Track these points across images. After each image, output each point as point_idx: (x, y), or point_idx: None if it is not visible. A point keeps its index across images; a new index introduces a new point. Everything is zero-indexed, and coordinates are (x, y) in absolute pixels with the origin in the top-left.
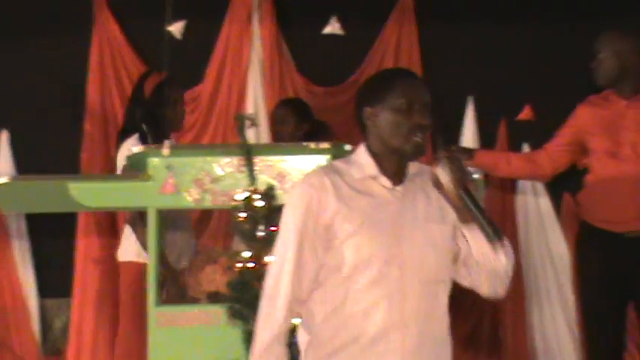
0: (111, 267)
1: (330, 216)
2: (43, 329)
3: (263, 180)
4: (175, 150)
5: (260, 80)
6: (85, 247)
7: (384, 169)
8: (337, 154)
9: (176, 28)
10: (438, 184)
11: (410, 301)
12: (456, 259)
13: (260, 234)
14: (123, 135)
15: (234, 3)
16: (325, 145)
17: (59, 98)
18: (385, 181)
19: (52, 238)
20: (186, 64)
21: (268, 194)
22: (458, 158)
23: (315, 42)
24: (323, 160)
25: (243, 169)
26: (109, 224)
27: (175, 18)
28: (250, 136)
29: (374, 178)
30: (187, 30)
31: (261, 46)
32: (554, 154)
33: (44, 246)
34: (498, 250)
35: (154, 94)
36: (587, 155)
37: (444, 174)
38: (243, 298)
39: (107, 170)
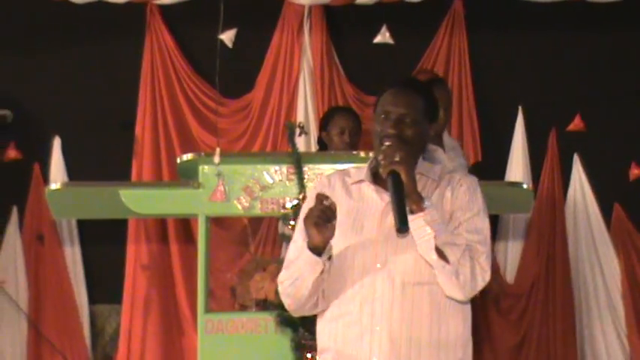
0: (160, 273)
1: None
2: (94, 335)
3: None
4: (226, 158)
5: (310, 89)
6: (135, 253)
7: (379, 175)
8: None
9: (227, 37)
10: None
11: (381, 303)
12: None
13: None
14: None
15: (286, 12)
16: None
17: (111, 105)
18: (370, 185)
19: (102, 244)
20: (237, 72)
21: None
22: (392, 145)
23: (366, 51)
24: None
25: (293, 177)
26: (158, 231)
27: (227, 26)
28: (300, 144)
29: (362, 182)
30: (238, 38)
31: (311, 55)
32: None
33: (95, 252)
34: (445, 254)
35: None
36: None
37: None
38: None
39: (157, 177)
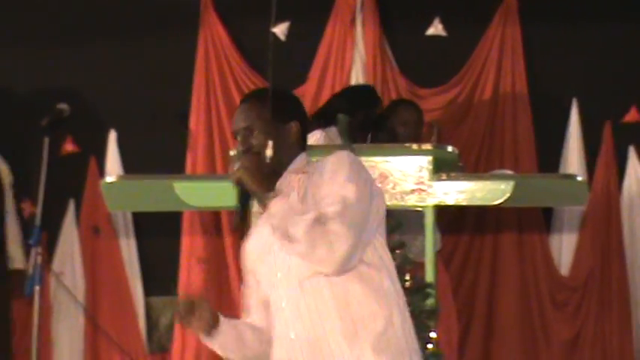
0: (214, 266)
1: None
2: (149, 327)
3: None
4: None
5: (363, 81)
6: (190, 245)
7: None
8: (439, 155)
9: (280, 30)
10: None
11: (289, 309)
12: None
13: None
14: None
15: (338, 5)
16: (427, 146)
17: (165, 98)
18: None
19: (157, 236)
20: (290, 65)
21: None
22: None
23: (418, 43)
24: (425, 161)
25: None
26: (213, 223)
27: (280, 19)
28: None
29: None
30: (291, 31)
31: (364, 48)
32: None
33: (150, 244)
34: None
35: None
36: None
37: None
38: None
39: (211, 169)
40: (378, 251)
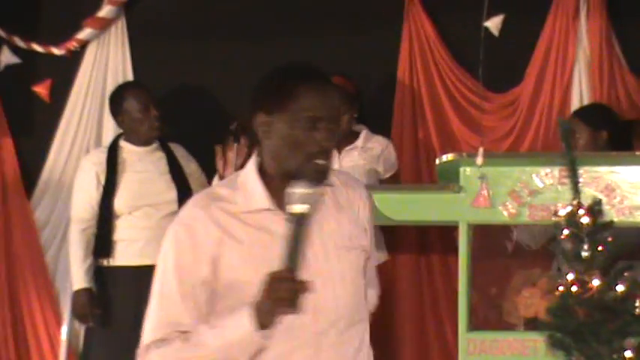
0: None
1: (213, 254)
2: None
3: (588, 193)
4: (490, 159)
5: (587, 81)
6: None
7: (278, 196)
8: None
9: (493, 24)
10: None
11: (325, 352)
12: None
13: (584, 254)
14: None
15: None
16: None
17: (366, 98)
18: (277, 213)
19: None
20: (504, 62)
21: (594, 209)
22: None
23: None
24: None
25: (566, 180)
26: (416, 239)
27: (492, 12)
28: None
29: (264, 211)
30: (506, 25)
31: (588, 43)
32: None
33: None
34: None
35: None
36: None
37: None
38: (565, 326)
39: (417, 179)
40: None
